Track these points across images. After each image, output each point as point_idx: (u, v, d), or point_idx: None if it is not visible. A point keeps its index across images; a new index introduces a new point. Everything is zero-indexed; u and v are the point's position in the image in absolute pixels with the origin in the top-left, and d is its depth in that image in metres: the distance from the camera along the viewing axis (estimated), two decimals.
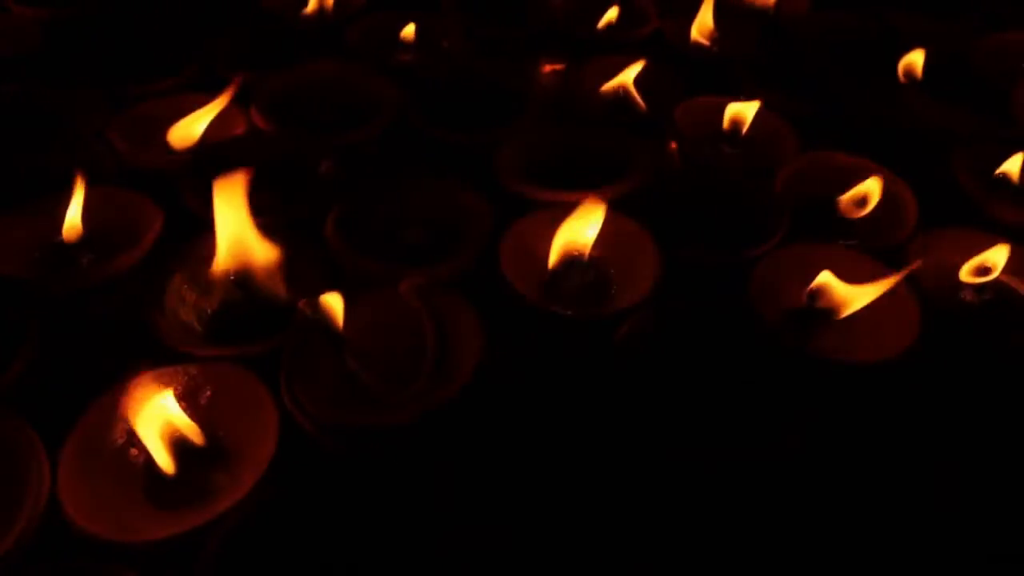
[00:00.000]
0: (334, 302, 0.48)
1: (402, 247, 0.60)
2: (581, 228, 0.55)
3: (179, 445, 0.45)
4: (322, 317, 0.48)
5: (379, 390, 0.48)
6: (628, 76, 0.72)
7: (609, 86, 0.73)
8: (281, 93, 0.71)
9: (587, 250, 0.56)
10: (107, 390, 0.46)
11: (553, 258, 0.56)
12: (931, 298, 0.55)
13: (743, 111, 0.68)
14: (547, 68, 0.81)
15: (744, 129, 0.68)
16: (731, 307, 0.53)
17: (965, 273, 0.58)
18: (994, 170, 0.65)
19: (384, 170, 0.66)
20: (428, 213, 0.61)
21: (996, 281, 0.58)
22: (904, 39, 0.79)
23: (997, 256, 0.56)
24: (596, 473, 0.48)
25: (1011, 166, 0.63)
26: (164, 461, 0.44)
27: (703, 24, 0.80)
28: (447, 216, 0.61)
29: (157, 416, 0.44)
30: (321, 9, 0.82)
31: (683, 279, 0.57)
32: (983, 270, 0.57)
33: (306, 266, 0.55)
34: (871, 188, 0.61)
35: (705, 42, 0.81)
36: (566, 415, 0.50)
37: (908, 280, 0.55)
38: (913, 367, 0.52)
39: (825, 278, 0.53)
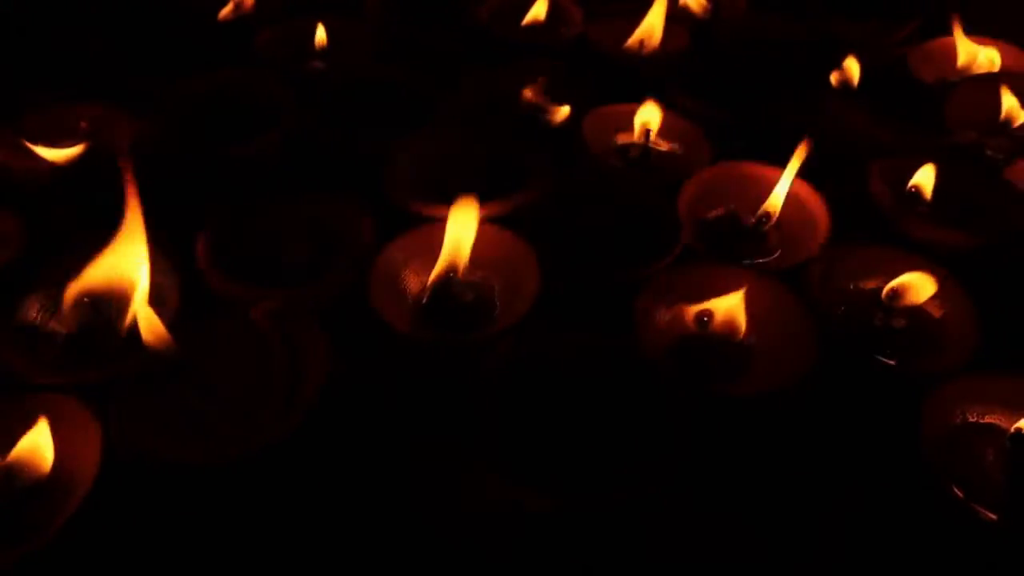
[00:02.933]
0: (172, 327, 0.46)
1: (282, 266, 0.57)
2: (456, 245, 0.52)
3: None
4: (164, 343, 0.46)
5: (217, 423, 0.45)
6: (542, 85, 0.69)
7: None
8: (181, 101, 0.68)
9: (459, 270, 0.52)
10: None
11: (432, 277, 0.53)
12: (833, 324, 0.52)
13: (651, 118, 0.64)
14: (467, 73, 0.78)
15: (653, 137, 0.65)
16: (612, 333, 0.50)
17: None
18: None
19: (279, 182, 0.64)
20: (311, 229, 0.58)
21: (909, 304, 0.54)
22: (839, 44, 0.76)
23: (909, 278, 0.53)
24: (447, 513, 0.45)
25: (922, 179, 0.60)
26: None
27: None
28: (331, 232, 0.58)
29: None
30: (238, 12, 0.79)
31: (575, 301, 0.55)
32: (893, 295, 0.54)
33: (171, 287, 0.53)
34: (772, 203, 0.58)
35: (635, 47, 0.78)
36: (422, 449, 0.47)
37: (809, 304, 0.52)
38: (808, 400, 0.49)
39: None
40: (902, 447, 0.47)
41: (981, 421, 0.48)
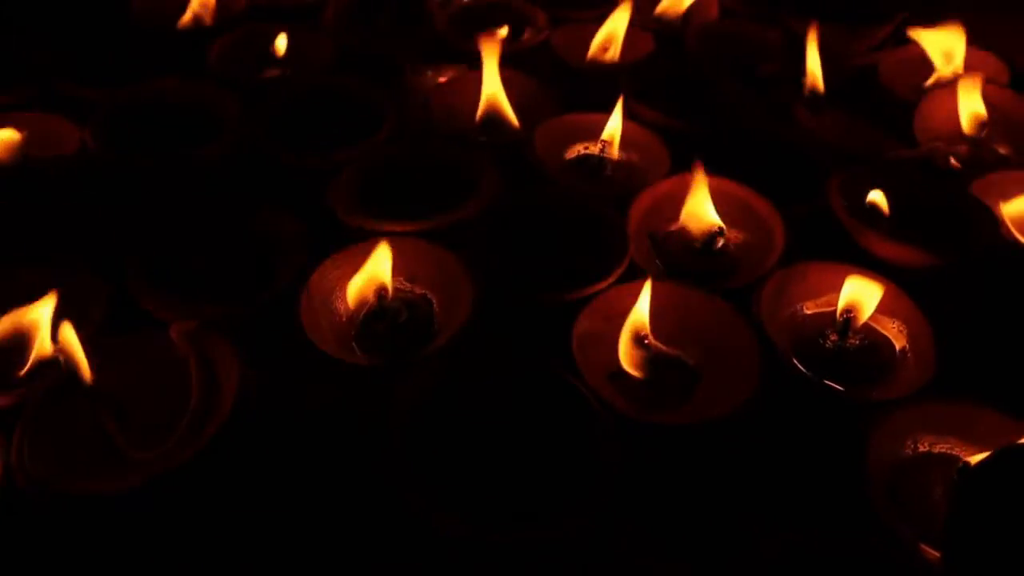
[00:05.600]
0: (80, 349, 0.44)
1: (214, 280, 0.55)
2: (378, 265, 0.50)
3: None
4: (74, 364, 0.44)
5: (128, 448, 0.43)
6: (494, 89, 0.66)
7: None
8: (123, 110, 0.66)
9: (389, 288, 0.50)
10: None
11: (361, 298, 0.51)
12: (780, 347, 0.50)
13: (611, 131, 0.62)
14: (431, 81, 0.76)
15: (611, 149, 0.63)
16: (550, 357, 0.47)
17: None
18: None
19: (220, 194, 0.62)
20: (247, 243, 0.56)
21: (865, 324, 0.52)
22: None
23: (856, 294, 0.50)
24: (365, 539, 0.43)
25: (879, 196, 0.57)
26: None
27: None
28: (268, 247, 0.56)
29: None
30: (196, 21, 0.78)
31: (516, 322, 0.53)
32: (845, 312, 0.51)
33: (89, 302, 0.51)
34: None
35: (598, 55, 0.76)
36: (342, 476, 0.45)
37: (755, 326, 0.50)
38: (753, 427, 0.47)
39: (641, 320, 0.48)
40: (851, 478, 0.44)
41: (934, 451, 0.46)
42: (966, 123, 0.63)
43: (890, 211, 0.57)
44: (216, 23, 0.78)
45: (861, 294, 0.51)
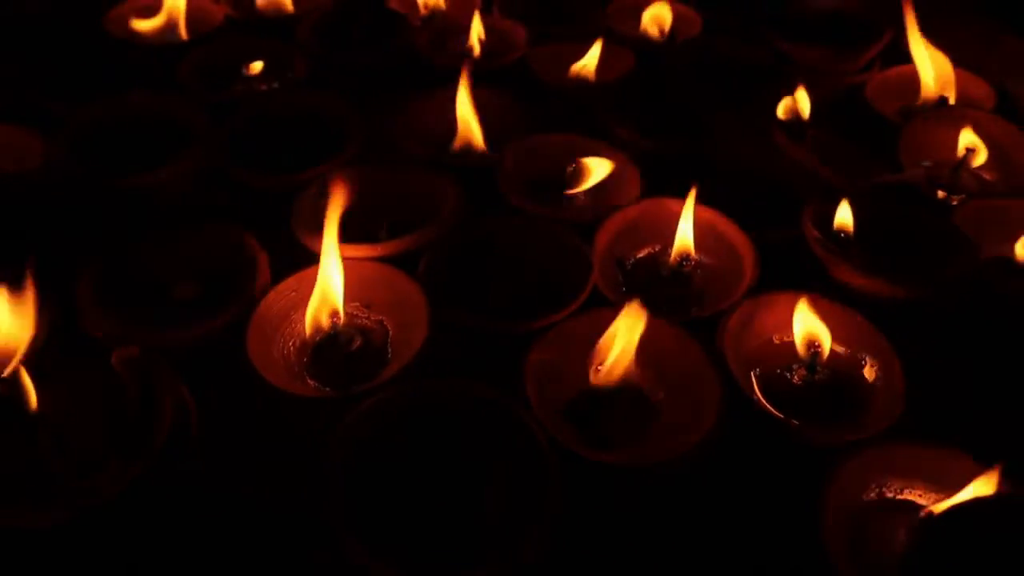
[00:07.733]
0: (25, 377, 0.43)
1: (173, 304, 0.54)
2: (328, 291, 0.48)
3: None
4: (15, 394, 0.43)
5: (65, 477, 0.42)
6: (466, 110, 0.65)
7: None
8: (89, 124, 0.65)
9: (340, 315, 0.49)
10: None
11: (307, 327, 0.49)
12: (744, 381, 0.48)
13: (590, 164, 0.61)
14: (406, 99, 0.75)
15: (584, 178, 0.61)
16: (503, 388, 0.46)
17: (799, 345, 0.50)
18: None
19: (183, 212, 0.61)
20: (206, 265, 0.55)
21: (832, 357, 0.50)
22: (794, 70, 0.72)
23: (812, 325, 0.49)
24: None
25: (844, 219, 0.55)
26: None
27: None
28: (227, 269, 0.55)
29: None
30: (171, 34, 0.77)
31: (473, 351, 0.51)
32: (810, 344, 0.49)
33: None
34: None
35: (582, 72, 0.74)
36: (275, 515, 0.43)
37: (717, 359, 0.48)
38: (712, 468, 0.45)
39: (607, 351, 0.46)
40: (811, 522, 0.42)
41: (899, 496, 0.44)
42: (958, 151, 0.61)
43: (867, 240, 0.55)
44: (190, 37, 0.77)
45: (815, 325, 0.49)
